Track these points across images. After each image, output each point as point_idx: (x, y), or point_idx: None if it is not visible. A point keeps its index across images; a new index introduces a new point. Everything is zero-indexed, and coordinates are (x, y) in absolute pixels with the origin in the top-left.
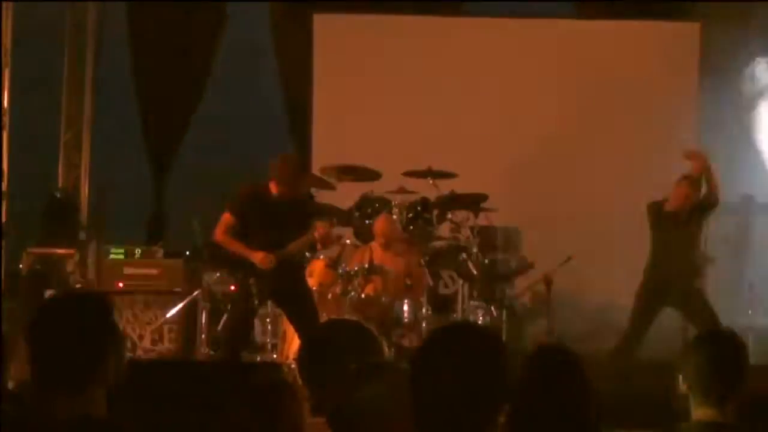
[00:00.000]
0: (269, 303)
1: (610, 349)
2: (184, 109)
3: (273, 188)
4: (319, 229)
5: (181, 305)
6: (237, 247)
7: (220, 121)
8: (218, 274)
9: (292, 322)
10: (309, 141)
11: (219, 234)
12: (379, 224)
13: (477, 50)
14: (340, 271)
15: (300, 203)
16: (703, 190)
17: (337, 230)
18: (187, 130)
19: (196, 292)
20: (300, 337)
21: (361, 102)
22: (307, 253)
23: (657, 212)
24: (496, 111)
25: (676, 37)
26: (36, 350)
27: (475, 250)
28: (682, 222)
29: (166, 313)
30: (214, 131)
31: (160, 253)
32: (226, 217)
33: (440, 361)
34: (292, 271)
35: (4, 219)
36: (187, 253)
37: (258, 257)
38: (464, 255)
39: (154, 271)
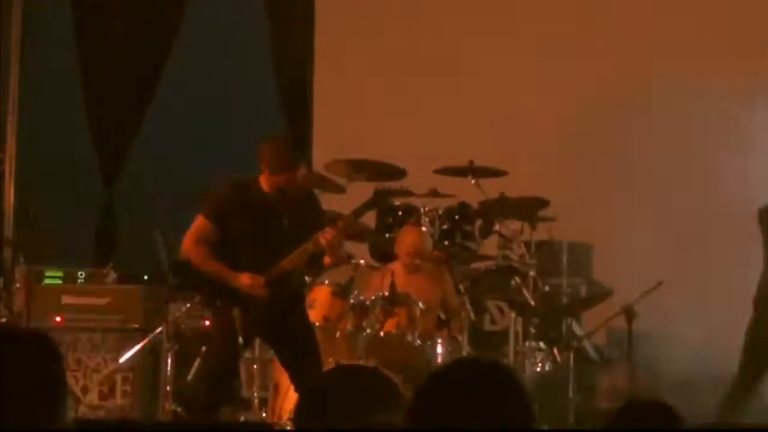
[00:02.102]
0: (257, 343)
1: (713, 402)
2: (141, 96)
3: (264, 184)
4: (327, 234)
5: (138, 347)
6: (214, 267)
7: (186, 110)
8: (188, 305)
9: (287, 369)
10: (308, 130)
11: (190, 247)
12: (404, 239)
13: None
14: (352, 300)
15: (303, 201)
16: None
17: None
18: (143, 121)
19: (158, 330)
20: (297, 389)
21: (374, 81)
22: (306, 277)
23: None
24: (555, 87)
25: None
26: None
27: (532, 273)
28: None
29: (120, 357)
30: (178, 122)
31: (112, 276)
32: (201, 224)
33: (440, 407)
34: (288, 300)
35: None
36: (147, 276)
37: (243, 281)
38: (517, 280)
39: (102, 301)
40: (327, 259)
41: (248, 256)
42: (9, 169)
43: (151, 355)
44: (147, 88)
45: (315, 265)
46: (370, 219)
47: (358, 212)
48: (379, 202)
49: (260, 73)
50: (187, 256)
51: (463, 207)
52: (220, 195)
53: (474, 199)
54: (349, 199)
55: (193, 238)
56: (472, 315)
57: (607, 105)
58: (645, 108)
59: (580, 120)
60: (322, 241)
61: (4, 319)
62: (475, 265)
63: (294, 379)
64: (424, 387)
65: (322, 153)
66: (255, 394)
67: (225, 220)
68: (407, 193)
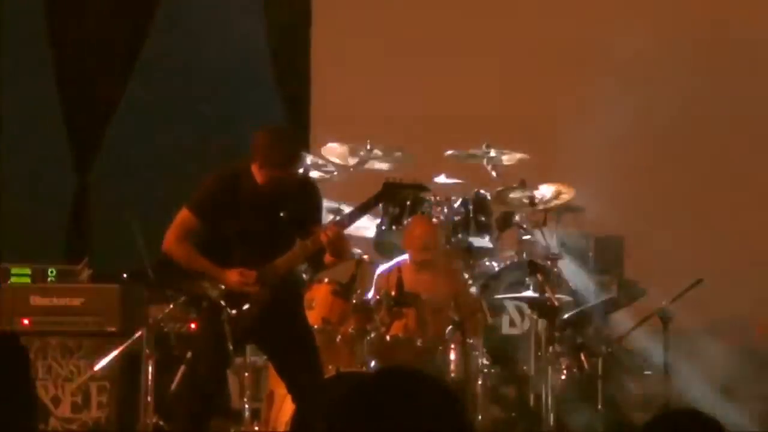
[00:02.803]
0: (249, 349)
1: (761, 412)
2: (119, 77)
3: (257, 174)
4: (329, 231)
5: (116, 353)
6: (201, 265)
7: (168, 96)
8: (172, 306)
9: (282, 377)
10: (306, 110)
11: (173, 243)
12: (413, 231)
13: None
14: (355, 301)
15: (300, 193)
16: None
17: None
18: (118, 105)
19: (138, 333)
20: (294, 400)
21: (377, 55)
22: (304, 275)
23: None
24: (581, 61)
25: None
26: None
27: (556, 269)
28: None
29: (95, 364)
30: (155, 110)
31: (86, 274)
32: (185, 218)
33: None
34: (284, 301)
35: None
36: (125, 274)
37: (232, 278)
38: (539, 277)
39: (76, 302)
40: (328, 257)
41: (239, 255)
42: None
43: (130, 362)
44: (124, 70)
45: (314, 264)
46: (375, 209)
47: (366, 207)
48: (389, 195)
49: (253, 51)
50: (169, 253)
51: (479, 196)
52: (206, 185)
53: (491, 188)
54: (350, 187)
55: (176, 233)
56: (488, 316)
57: (647, 80)
58: (684, 86)
59: (609, 97)
60: (323, 238)
61: None
62: (493, 261)
63: (290, 388)
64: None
65: (321, 135)
66: (246, 405)
67: (213, 213)
68: (422, 187)
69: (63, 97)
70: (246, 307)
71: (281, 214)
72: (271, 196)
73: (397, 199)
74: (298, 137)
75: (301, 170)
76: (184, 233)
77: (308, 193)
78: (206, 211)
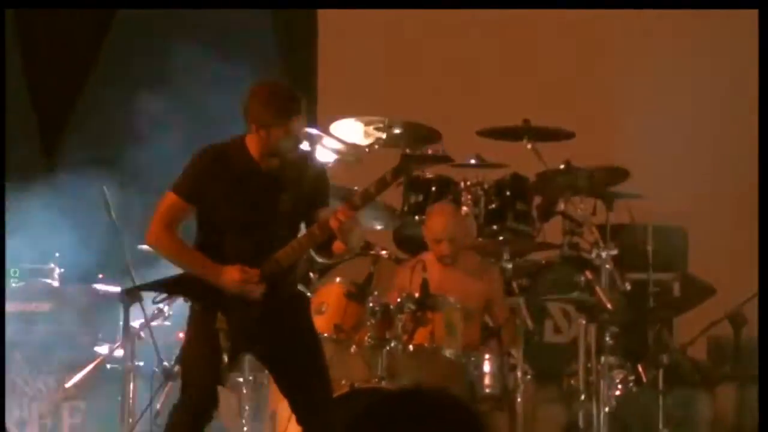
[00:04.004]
0: (247, 360)
1: None
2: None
3: (251, 146)
4: (340, 214)
5: (91, 367)
6: (192, 258)
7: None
8: (156, 311)
9: (286, 394)
10: (312, 80)
11: (159, 232)
12: (437, 220)
13: None
14: (371, 304)
15: (303, 171)
16: None
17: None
18: (83, 89)
19: (117, 344)
20: (300, 421)
21: (395, 18)
22: (311, 273)
23: None
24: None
25: None
26: None
27: (608, 266)
28: None
29: (67, 380)
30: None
31: (56, 273)
32: (171, 203)
33: None
34: (288, 303)
35: None
36: (102, 275)
37: (231, 275)
38: (589, 275)
39: (43, 306)
40: (338, 246)
41: (235, 245)
42: None
43: (109, 378)
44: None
45: (322, 255)
46: (395, 197)
47: (382, 184)
48: (408, 169)
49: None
50: (155, 244)
51: (517, 180)
52: (191, 163)
53: (530, 170)
54: (365, 171)
55: (162, 221)
56: (529, 322)
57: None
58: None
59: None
60: (333, 223)
61: None
62: (533, 256)
63: (295, 407)
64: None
65: (329, 109)
66: (245, 427)
67: (202, 196)
68: (446, 158)
69: (30, 78)
70: (244, 310)
71: (282, 197)
72: (269, 175)
73: (417, 172)
74: (296, 91)
75: (305, 140)
76: (171, 221)
77: (312, 171)
78: (194, 193)
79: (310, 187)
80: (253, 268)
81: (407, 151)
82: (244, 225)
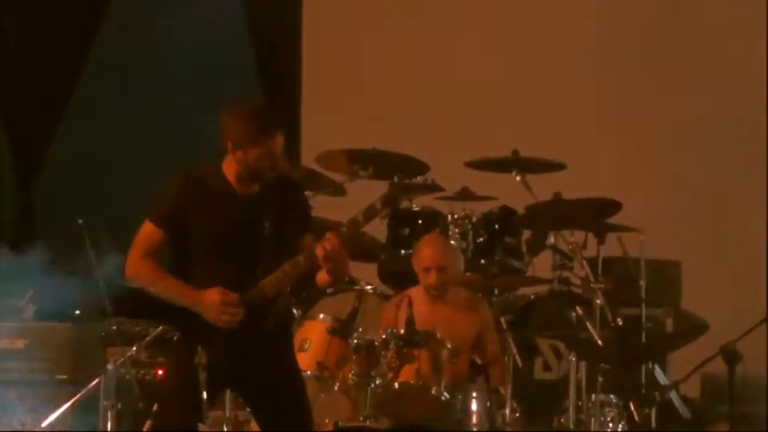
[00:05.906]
0: (228, 396)
1: None
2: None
3: (228, 171)
4: (327, 243)
5: (68, 405)
6: (170, 286)
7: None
8: (135, 348)
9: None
10: (296, 113)
11: (136, 262)
12: (425, 253)
13: None
14: (356, 340)
15: (283, 195)
16: None
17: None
18: (68, 104)
19: (94, 382)
20: None
21: (381, 48)
22: (294, 309)
23: None
24: (620, 58)
25: None
26: None
27: (599, 301)
28: None
29: (43, 419)
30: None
31: (30, 310)
32: (148, 232)
33: None
34: (271, 339)
35: None
36: (78, 311)
37: (211, 298)
38: (579, 310)
39: (18, 344)
40: (322, 277)
41: (214, 274)
42: None
43: (86, 416)
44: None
45: (304, 287)
46: (380, 230)
47: (370, 212)
48: (397, 197)
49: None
50: (134, 275)
51: (506, 212)
52: (167, 190)
53: (519, 202)
54: (349, 203)
55: (139, 251)
56: (518, 359)
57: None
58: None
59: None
60: (320, 251)
61: None
62: (523, 290)
63: None
64: None
65: (314, 142)
66: None
67: (179, 223)
68: (435, 187)
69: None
70: (227, 345)
71: (262, 223)
72: (247, 200)
73: (407, 223)
74: (272, 108)
75: (283, 162)
76: (148, 250)
77: (291, 194)
78: (171, 220)
79: (290, 211)
80: (235, 296)
81: (396, 179)
82: (222, 253)
